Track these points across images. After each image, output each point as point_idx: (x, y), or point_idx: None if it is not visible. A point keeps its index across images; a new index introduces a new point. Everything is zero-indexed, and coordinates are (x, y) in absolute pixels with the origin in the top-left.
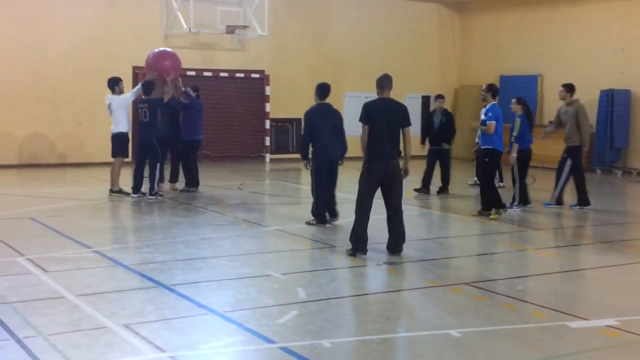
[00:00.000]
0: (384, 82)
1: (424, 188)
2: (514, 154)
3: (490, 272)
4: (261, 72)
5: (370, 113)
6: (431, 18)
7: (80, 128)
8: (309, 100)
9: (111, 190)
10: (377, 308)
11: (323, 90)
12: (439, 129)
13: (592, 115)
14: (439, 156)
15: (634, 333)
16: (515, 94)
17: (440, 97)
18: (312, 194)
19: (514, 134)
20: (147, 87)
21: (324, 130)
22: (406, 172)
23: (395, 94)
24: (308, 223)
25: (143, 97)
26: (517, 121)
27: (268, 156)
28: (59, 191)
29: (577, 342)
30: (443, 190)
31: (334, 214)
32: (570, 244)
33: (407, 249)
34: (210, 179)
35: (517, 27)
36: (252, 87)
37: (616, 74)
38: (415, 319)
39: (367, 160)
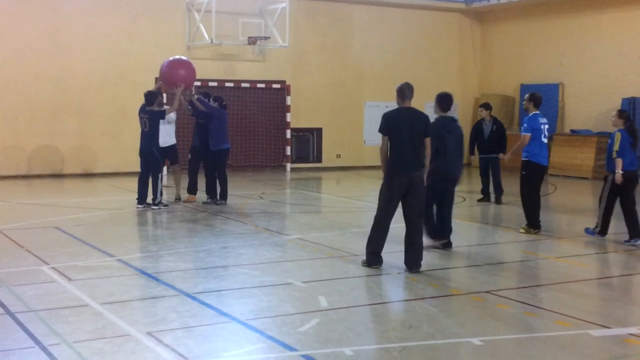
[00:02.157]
0: (406, 92)
1: (485, 197)
2: (619, 171)
3: (513, 281)
4: (282, 82)
5: (390, 123)
6: (451, 27)
7: (103, 139)
8: (330, 110)
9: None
10: (398, 316)
11: (446, 100)
12: (490, 137)
13: None
14: (490, 165)
15: None
16: None
17: (486, 106)
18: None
19: (615, 148)
20: (150, 97)
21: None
22: (423, 183)
23: (415, 103)
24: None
25: (145, 107)
26: (618, 135)
27: (289, 165)
28: (83, 201)
29: (601, 351)
30: (497, 199)
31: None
32: (593, 253)
33: (429, 257)
34: (232, 188)
35: (537, 35)
36: (273, 97)
37: (638, 81)
38: (437, 327)
39: (388, 173)
